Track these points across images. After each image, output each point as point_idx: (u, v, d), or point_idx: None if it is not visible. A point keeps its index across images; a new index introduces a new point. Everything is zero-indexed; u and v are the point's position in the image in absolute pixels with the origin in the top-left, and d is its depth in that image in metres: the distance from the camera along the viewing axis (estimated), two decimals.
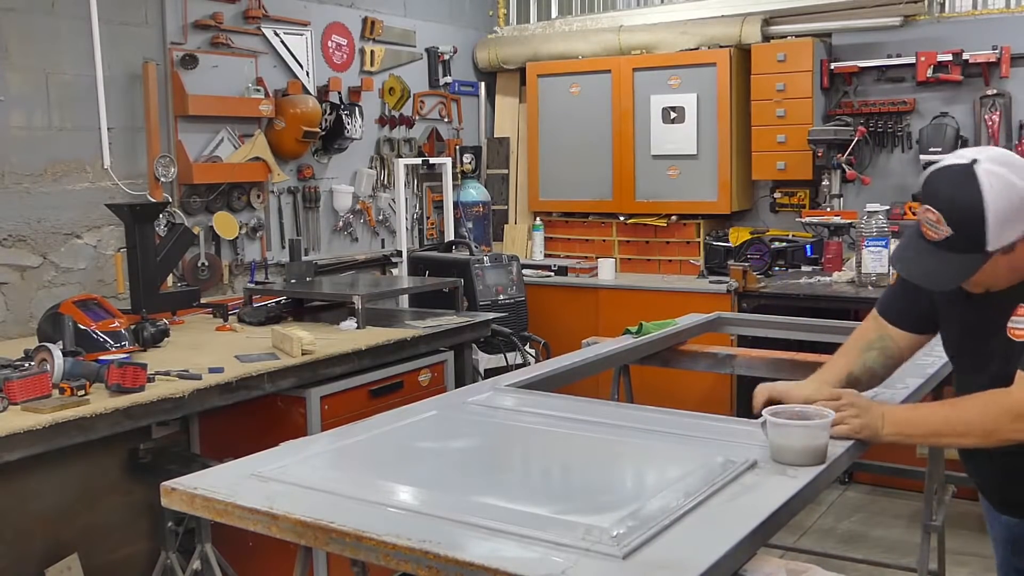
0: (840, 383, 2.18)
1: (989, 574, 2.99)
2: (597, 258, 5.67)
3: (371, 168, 5.49)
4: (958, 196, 1.82)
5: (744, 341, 4.10)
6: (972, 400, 1.90)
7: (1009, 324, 1.91)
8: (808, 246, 5.30)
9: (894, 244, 4.24)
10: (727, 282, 4.94)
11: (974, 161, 1.83)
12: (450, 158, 5.83)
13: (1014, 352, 1.90)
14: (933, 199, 1.87)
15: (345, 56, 5.30)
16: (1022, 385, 1.83)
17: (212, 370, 3.06)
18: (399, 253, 5.43)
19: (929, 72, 4.98)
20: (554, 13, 6.40)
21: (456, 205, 5.83)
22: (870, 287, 4.66)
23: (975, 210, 1.80)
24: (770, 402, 2.10)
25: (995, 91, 4.94)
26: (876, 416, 1.95)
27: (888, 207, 4.88)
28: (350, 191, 5.30)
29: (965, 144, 4.98)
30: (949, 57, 4.94)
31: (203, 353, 3.37)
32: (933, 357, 2.60)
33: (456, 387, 3.78)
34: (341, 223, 5.30)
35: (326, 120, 5.05)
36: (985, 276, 1.89)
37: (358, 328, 3.81)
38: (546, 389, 2.59)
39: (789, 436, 1.87)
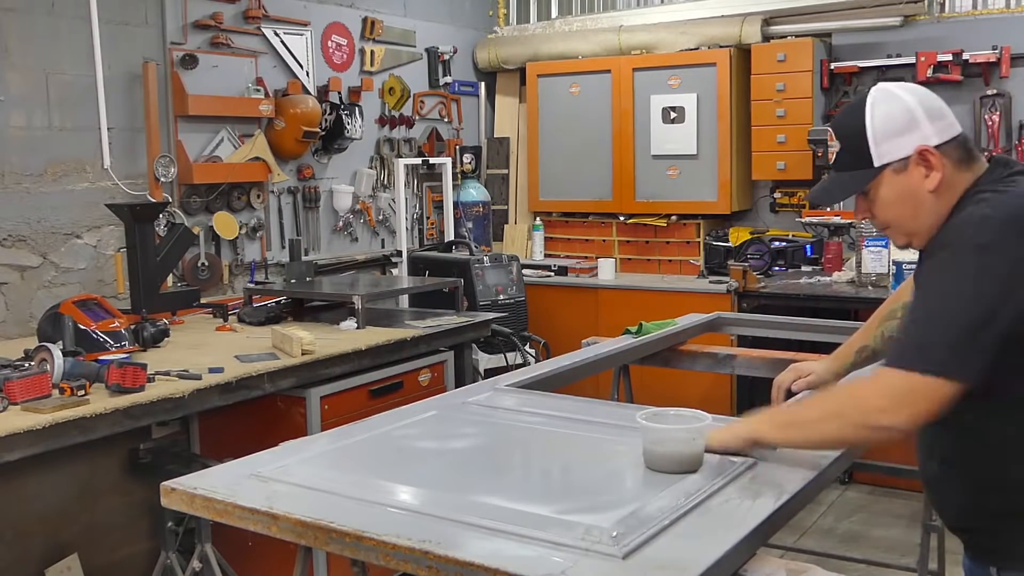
0: (852, 360, 2.23)
1: None
2: (597, 258, 5.67)
3: (371, 168, 5.49)
4: (847, 112, 1.81)
5: (744, 341, 4.10)
6: (832, 391, 1.89)
7: None
8: (808, 246, 5.30)
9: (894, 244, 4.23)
10: (727, 282, 4.94)
11: (871, 86, 1.84)
12: (450, 158, 5.83)
13: None
14: (832, 122, 1.91)
15: (345, 56, 5.30)
16: (879, 374, 1.67)
17: (212, 370, 3.06)
18: (399, 253, 5.43)
19: (929, 72, 4.98)
20: (554, 13, 6.40)
21: (456, 205, 5.83)
22: (870, 287, 4.66)
23: (858, 121, 1.76)
24: (788, 392, 2.30)
25: (995, 91, 4.94)
26: (737, 429, 1.88)
27: None
28: (350, 191, 5.30)
29: None
30: (949, 57, 4.94)
31: (203, 353, 3.37)
32: None
33: (456, 387, 3.78)
34: (341, 223, 5.30)
35: (326, 120, 5.05)
36: (887, 207, 1.78)
37: (358, 328, 3.81)
38: (546, 389, 2.59)
39: (658, 441, 1.81)
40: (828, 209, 5.23)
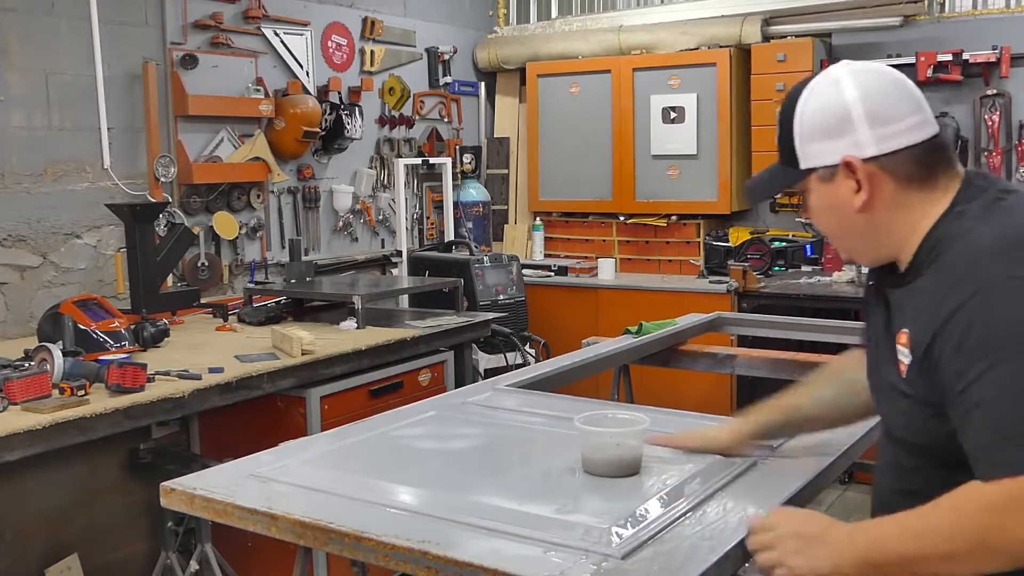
0: (778, 419, 1.87)
1: None
2: (597, 258, 5.67)
3: (371, 168, 5.49)
4: (788, 95, 1.52)
5: (744, 341, 4.10)
6: (942, 504, 1.31)
7: (896, 355, 1.45)
8: (808, 246, 5.30)
9: None
10: (727, 282, 4.94)
11: (832, 64, 1.52)
12: (450, 158, 5.83)
13: (898, 399, 1.44)
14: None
15: (345, 56, 5.30)
16: (989, 489, 1.25)
17: (212, 370, 3.06)
18: (399, 253, 5.43)
19: (929, 72, 4.98)
20: (554, 13, 6.39)
21: (456, 205, 5.83)
22: None
23: (789, 110, 1.49)
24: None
25: (995, 91, 4.94)
26: (827, 554, 1.38)
27: None
28: (350, 191, 5.30)
29: (965, 144, 4.99)
30: (949, 57, 4.94)
31: (203, 353, 3.37)
32: None
33: (456, 387, 3.78)
34: (341, 223, 5.30)
35: (326, 120, 5.05)
36: (815, 216, 1.53)
37: (358, 328, 3.81)
38: (546, 389, 2.59)
39: (596, 446, 1.76)
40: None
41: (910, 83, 1.47)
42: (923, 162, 1.43)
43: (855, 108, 1.42)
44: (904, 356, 1.41)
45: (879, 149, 1.41)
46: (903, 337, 1.41)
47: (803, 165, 1.48)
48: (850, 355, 1.84)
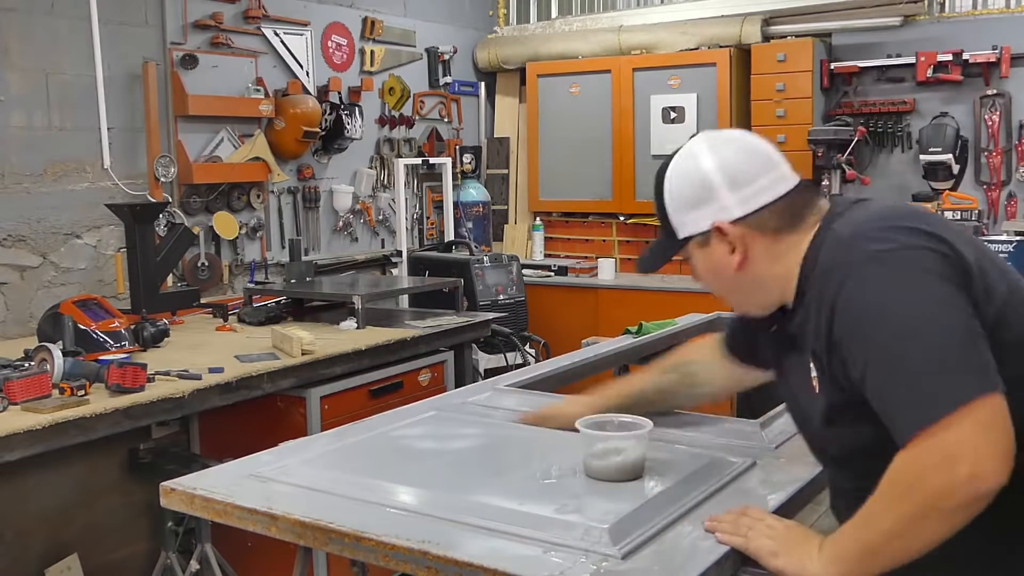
0: (616, 408, 1.93)
1: None
2: (597, 258, 5.67)
3: (371, 168, 5.49)
4: (657, 174, 1.61)
5: None
6: (882, 494, 1.32)
7: (810, 376, 1.50)
8: None
9: None
10: None
11: (690, 137, 1.62)
12: (450, 158, 5.83)
13: (818, 414, 1.49)
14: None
15: (345, 56, 5.30)
16: (912, 449, 1.27)
17: (212, 370, 3.06)
18: (399, 253, 5.43)
19: (929, 72, 4.98)
20: (554, 13, 6.40)
21: (456, 205, 5.83)
22: None
23: (659, 188, 1.59)
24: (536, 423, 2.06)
25: (995, 91, 4.94)
26: (803, 555, 1.41)
27: None
28: (350, 191, 5.30)
29: (965, 144, 4.98)
30: (949, 57, 4.94)
31: (203, 353, 3.37)
32: None
33: (456, 387, 3.78)
34: (341, 223, 5.30)
35: (326, 120, 5.05)
36: (703, 276, 1.62)
37: (358, 328, 3.81)
38: (546, 389, 2.59)
39: (597, 451, 1.74)
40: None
41: (763, 144, 1.56)
42: (786, 213, 1.51)
43: (715, 176, 1.51)
44: (815, 371, 1.47)
45: (744, 210, 1.50)
46: (810, 357, 1.48)
47: (680, 235, 1.57)
48: (699, 344, 2.04)
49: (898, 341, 1.29)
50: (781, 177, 1.53)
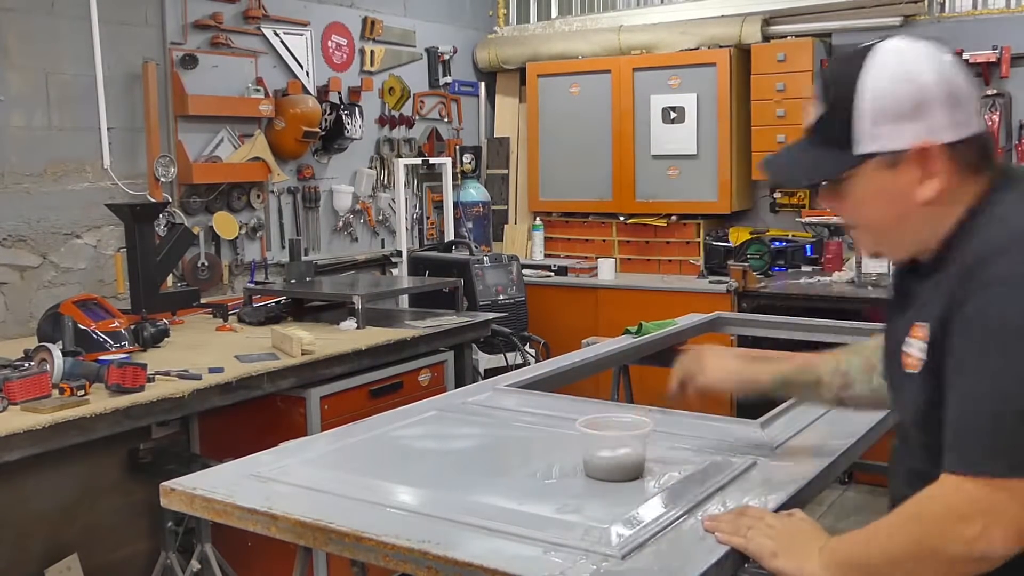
0: (784, 377, 1.80)
1: None
2: (597, 258, 5.67)
3: (371, 168, 5.49)
4: (840, 66, 1.35)
5: (744, 341, 4.10)
6: (897, 516, 1.30)
7: (903, 347, 1.36)
8: (808, 246, 5.30)
9: None
10: (727, 282, 4.94)
11: (884, 38, 1.35)
12: (450, 158, 5.83)
13: (908, 392, 1.37)
14: (823, 73, 1.41)
15: (345, 56, 5.30)
16: (945, 485, 1.24)
17: (212, 370, 3.06)
18: (399, 253, 5.43)
19: None
20: (554, 13, 6.39)
21: (456, 205, 5.83)
22: (870, 287, 4.66)
23: (848, 85, 1.31)
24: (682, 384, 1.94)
25: (995, 91, 4.94)
26: (802, 556, 1.40)
27: None
28: (350, 191, 5.30)
29: None
30: None
31: (203, 353, 3.37)
32: None
33: (456, 387, 3.78)
34: (341, 223, 5.30)
35: (326, 120, 5.05)
36: (860, 206, 1.37)
37: (358, 328, 3.81)
38: (546, 389, 2.59)
39: (597, 451, 1.75)
40: (828, 209, 5.22)
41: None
42: (983, 148, 1.33)
43: (935, 88, 1.28)
44: (915, 349, 1.33)
45: (956, 135, 1.29)
46: (918, 331, 1.33)
47: (862, 149, 1.31)
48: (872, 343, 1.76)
49: (1009, 380, 1.20)
50: (977, 109, 1.33)
